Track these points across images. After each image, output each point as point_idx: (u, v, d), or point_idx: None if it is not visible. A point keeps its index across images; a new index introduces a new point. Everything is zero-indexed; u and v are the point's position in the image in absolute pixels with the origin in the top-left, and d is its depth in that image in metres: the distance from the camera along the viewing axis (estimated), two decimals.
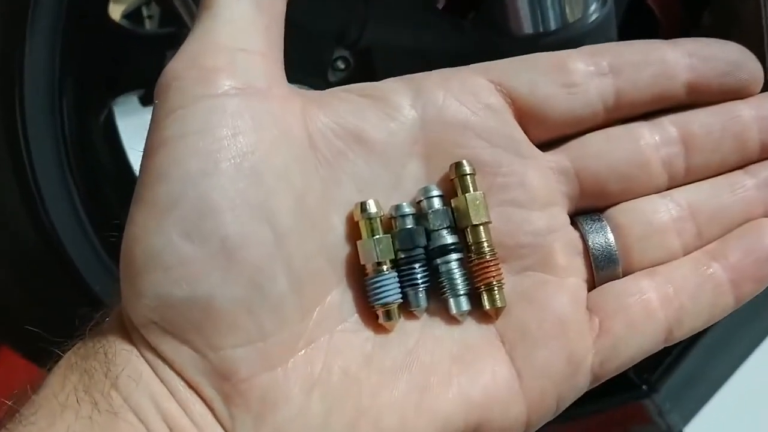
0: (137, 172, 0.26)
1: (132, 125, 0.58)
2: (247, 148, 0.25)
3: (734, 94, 0.29)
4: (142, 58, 0.58)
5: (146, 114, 0.26)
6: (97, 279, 0.52)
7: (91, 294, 0.51)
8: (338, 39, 0.44)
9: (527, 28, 0.43)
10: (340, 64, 0.45)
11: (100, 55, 0.57)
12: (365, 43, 0.44)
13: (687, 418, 0.58)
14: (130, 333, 0.25)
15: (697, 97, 0.29)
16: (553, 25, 0.42)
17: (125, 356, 0.25)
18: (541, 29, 0.42)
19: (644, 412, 0.55)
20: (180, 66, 0.26)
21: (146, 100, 0.60)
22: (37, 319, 0.51)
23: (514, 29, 0.43)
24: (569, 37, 0.42)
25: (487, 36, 0.43)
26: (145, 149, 0.25)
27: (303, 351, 0.26)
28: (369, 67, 0.45)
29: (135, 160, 0.26)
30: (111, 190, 0.58)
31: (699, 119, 0.29)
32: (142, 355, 0.25)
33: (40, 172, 0.50)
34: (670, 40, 0.29)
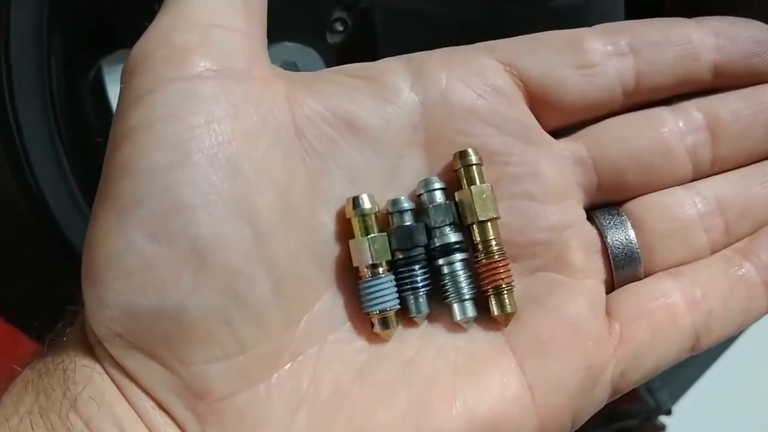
0: None
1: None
2: (222, 137, 0.22)
3: (763, 76, 0.26)
4: (133, 13, 0.54)
5: None
6: (82, 241, 0.48)
7: (76, 257, 0.48)
8: None
9: None
10: (339, 26, 0.42)
11: (90, 9, 0.52)
12: (365, 4, 0.41)
13: (676, 396, 0.57)
14: (92, 347, 0.22)
15: (723, 81, 0.26)
16: None
17: (87, 373, 0.22)
18: None
19: (633, 390, 0.52)
20: (149, 45, 0.22)
21: None
22: (20, 282, 0.47)
23: None
24: (578, 2, 0.39)
25: None
26: (109, 141, 0.22)
27: (288, 365, 0.23)
28: (369, 30, 0.42)
29: None
30: (99, 151, 0.54)
31: (727, 104, 0.26)
32: (107, 372, 0.22)
33: (26, 131, 0.46)
34: (694, 18, 0.26)
